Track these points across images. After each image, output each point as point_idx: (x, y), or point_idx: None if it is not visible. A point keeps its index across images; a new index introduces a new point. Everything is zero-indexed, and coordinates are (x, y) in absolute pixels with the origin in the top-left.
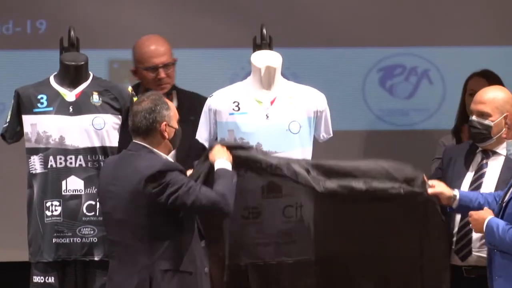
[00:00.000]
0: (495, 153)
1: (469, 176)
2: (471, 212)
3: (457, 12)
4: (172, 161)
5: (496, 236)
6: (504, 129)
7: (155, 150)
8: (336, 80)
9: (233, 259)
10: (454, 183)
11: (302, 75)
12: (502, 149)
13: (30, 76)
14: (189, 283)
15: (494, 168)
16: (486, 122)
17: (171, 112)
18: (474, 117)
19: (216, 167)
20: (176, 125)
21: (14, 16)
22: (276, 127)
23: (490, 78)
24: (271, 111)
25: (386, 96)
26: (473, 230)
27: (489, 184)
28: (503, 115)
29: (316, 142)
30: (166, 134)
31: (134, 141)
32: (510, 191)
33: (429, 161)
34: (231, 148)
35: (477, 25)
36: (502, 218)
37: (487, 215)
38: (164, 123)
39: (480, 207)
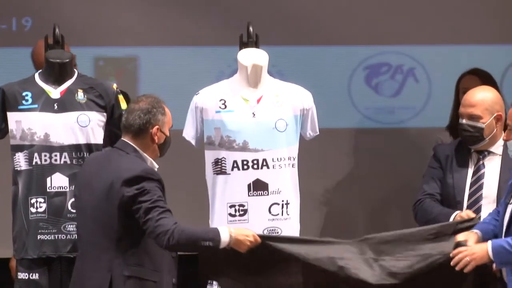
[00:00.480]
0: (490, 152)
1: (468, 177)
2: (462, 249)
3: (442, 11)
4: (157, 166)
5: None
6: (495, 129)
7: (141, 152)
8: (322, 78)
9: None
10: (457, 184)
11: (289, 73)
12: (496, 149)
13: (15, 73)
14: None
15: (492, 168)
16: (478, 124)
17: (166, 118)
18: (464, 121)
19: (218, 226)
20: (167, 133)
21: (0, 14)
22: (263, 125)
23: (481, 75)
24: (258, 109)
25: (372, 94)
26: (474, 261)
27: (490, 185)
28: (494, 116)
29: (302, 140)
30: (156, 138)
31: (122, 138)
32: None
33: (415, 158)
34: (267, 239)
35: (462, 24)
36: (511, 219)
37: (484, 243)
38: (157, 127)
39: (495, 235)
